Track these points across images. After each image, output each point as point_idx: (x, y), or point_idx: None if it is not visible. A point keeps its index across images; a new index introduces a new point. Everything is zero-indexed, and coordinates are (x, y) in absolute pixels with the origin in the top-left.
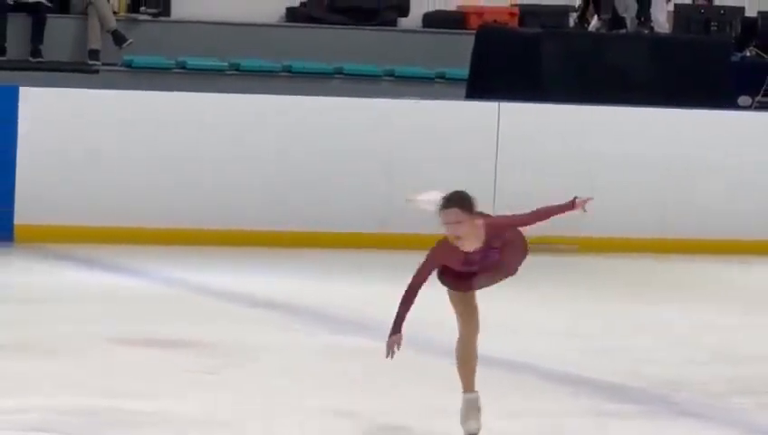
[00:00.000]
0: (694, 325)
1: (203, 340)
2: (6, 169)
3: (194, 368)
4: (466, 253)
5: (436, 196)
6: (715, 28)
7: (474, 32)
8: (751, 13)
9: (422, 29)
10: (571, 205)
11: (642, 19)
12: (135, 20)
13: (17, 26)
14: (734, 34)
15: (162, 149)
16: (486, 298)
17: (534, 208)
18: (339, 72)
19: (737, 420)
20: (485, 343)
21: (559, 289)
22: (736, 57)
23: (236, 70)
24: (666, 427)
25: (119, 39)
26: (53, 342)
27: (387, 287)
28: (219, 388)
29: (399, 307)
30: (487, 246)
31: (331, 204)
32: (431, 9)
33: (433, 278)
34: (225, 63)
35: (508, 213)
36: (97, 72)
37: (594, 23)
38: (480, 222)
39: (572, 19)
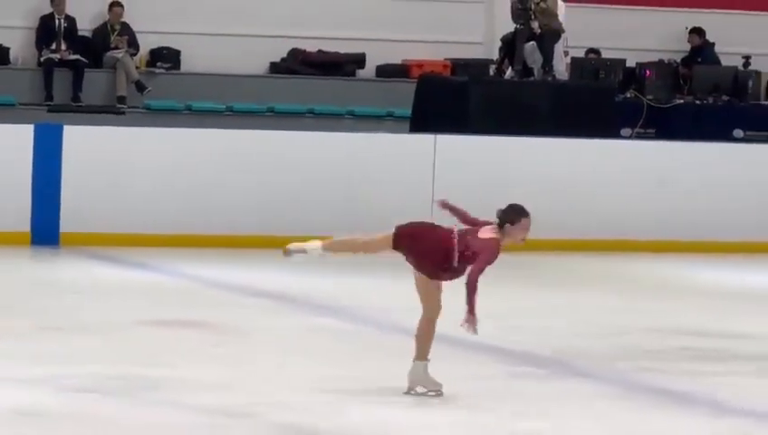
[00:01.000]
0: (587, 308)
1: (210, 322)
2: (55, 189)
3: (203, 344)
4: None
5: (315, 245)
6: (603, 75)
7: (415, 80)
8: (630, 64)
9: (375, 78)
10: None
11: (546, 69)
12: (153, 73)
13: (62, 78)
14: (617, 80)
15: (176, 172)
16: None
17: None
18: (311, 112)
19: (622, 380)
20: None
21: (488, 278)
22: (619, 98)
23: (231, 111)
24: (566, 385)
25: (140, 88)
26: (91, 324)
27: (356, 279)
28: (222, 359)
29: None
30: None
31: (306, 213)
32: (382, 62)
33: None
34: (223, 106)
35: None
36: (124, 113)
37: (509, 72)
38: None
39: (492, 69)
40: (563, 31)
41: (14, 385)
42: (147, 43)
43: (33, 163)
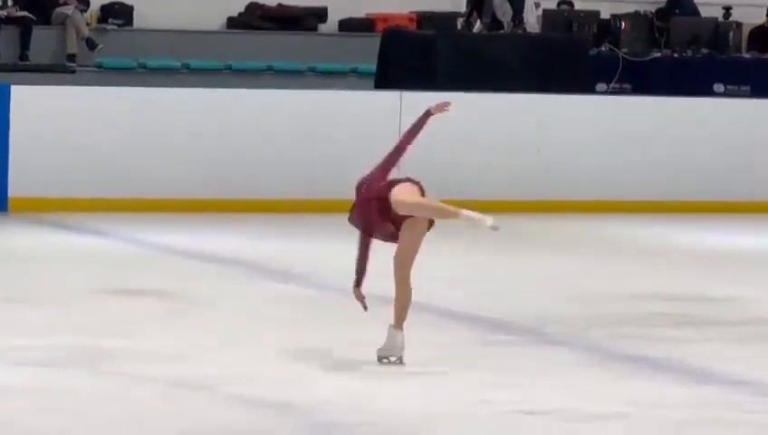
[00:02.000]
0: (560, 272)
1: (168, 290)
2: (2, 152)
3: (161, 313)
4: None
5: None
6: (576, 28)
7: (380, 34)
8: (605, 15)
9: (338, 33)
10: (427, 115)
11: (516, 22)
12: (104, 29)
13: (8, 36)
14: (591, 33)
15: (129, 133)
16: (387, 253)
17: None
18: (270, 69)
19: (596, 347)
20: (386, 288)
21: (451, 245)
22: (594, 52)
23: (187, 68)
24: (537, 353)
25: (91, 45)
26: (43, 293)
27: (318, 244)
28: (182, 329)
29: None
30: None
31: (265, 176)
32: (345, 16)
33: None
34: (179, 63)
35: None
36: (74, 72)
37: (477, 26)
38: None
39: (460, 23)
40: None
41: None
42: None
43: None
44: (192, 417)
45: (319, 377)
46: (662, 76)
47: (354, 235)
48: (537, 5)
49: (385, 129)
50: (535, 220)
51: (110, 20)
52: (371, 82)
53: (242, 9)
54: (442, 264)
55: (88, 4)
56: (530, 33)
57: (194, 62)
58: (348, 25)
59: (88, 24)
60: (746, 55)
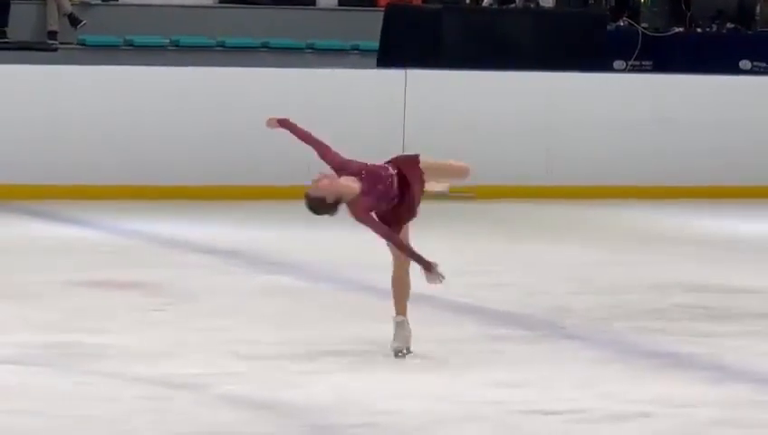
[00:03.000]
0: (573, 261)
1: (151, 282)
2: None
3: (143, 307)
4: None
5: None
6: (593, 2)
7: (383, 9)
8: None
9: (338, 7)
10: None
11: None
12: (88, 4)
13: None
14: (608, 7)
15: (113, 115)
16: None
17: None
18: (265, 46)
19: (616, 342)
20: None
21: (458, 232)
22: (611, 27)
23: (176, 46)
24: (553, 349)
25: (74, 21)
26: (19, 287)
27: (316, 234)
28: (166, 324)
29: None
30: None
31: (260, 161)
32: None
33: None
34: (167, 40)
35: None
36: (56, 50)
37: None
38: None
39: None
40: None
41: None
42: None
43: None
44: (177, 419)
45: (315, 375)
46: (684, 53)
47: (352, 222)
48: None
49: (388, 109)
50: (546, 206)
51: None
52: (374, 60)
53: None
54: (443, 253)
55: None
56: (543, 6)
57: (183, 39)
58: None
59: None
60: None
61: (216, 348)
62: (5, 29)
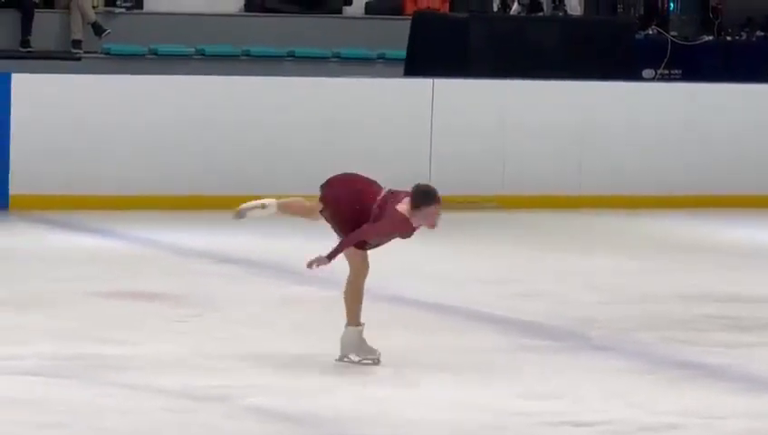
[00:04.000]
0: (601, 271)
1: (175, 293)
2: (3, 146)
3: (167, 318)
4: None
5: (272, 201)
6: (621, 10)
7: (410, 17)
8: None
9: (364, 16)
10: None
11: (557, 3)
12: (112, 13)
13: (8, 20)
14: (637, 15)
15: (137, 125)
16: (417, 251)
17: None
18: (291, 55)
19: (644, 353)
20: (421, 289)
21: (481, 241)
22: (640, 35)
23: (202, 55)
24: (582, 359)
25: (98, 30)
26: (44, 296)
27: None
28: (189, 335)
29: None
30: None
31: (286, 171)
32: None
33: None
34: (192, 49)
35: None
36: (80, 59)
37: (515, 7)
38: None
39: (496, 4)
40: None
41: None
42: None
43: None
44: (202, 432)
45: (339, 386)
46: (714, 61)
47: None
48: None
49: (415, 119)
50: (575, 215)
51: (118, 3)
52: (401, 69)
53: None
54: (474, 262)
55: None
56: (571, 15)
57: (209, 48)
58: (375, 8)
59: (94, 8)
60: None
61: (241, 359)
62: (29, 38)
